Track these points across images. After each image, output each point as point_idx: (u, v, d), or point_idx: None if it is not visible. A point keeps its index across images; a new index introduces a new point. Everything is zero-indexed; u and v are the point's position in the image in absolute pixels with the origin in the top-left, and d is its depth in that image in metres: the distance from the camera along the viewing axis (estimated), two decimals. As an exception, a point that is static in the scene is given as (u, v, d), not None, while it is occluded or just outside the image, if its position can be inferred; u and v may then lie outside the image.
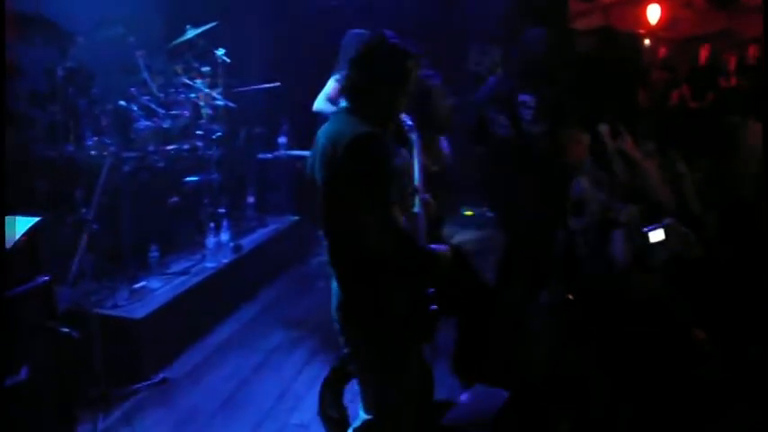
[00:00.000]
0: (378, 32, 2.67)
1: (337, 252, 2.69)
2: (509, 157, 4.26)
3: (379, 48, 2.64)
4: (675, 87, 7.76)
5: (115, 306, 4.47)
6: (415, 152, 2.85)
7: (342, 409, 3.53)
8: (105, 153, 4.70)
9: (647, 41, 9.03)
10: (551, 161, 4.07)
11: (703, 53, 8.35)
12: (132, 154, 5.09)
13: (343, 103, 2.76)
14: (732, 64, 8.04)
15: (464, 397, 3.66)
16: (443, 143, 3.63)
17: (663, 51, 8.83)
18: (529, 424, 3.49)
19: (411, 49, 2.63)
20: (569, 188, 3.83)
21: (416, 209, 2.77)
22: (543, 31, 4.32)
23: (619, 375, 3.42)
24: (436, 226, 3.50)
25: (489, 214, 4.89)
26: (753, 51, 7.82)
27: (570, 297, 3.58)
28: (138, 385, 4.21)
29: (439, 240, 3.45)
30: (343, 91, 2.72)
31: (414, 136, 2.86)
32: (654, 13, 8.96)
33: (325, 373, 3.63)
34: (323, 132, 2.67)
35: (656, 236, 3.57)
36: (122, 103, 5.21)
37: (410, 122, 2.86)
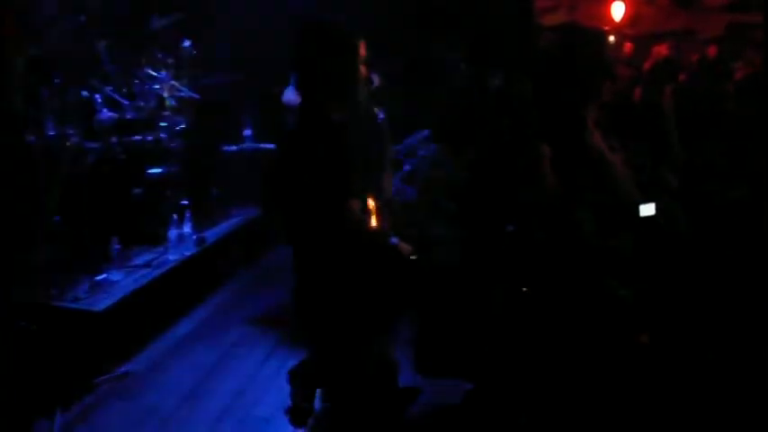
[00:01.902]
0: (315, 18, 2.66)
1: (296, 241, 2.70)
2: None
3: (320, 33, 2.60)
4: (639, 83, 7.86)
5: (75, 299, 4.42)
6: (386, 143, 2.90)
7: (311, 401, 3.54)
8: (67, 143, 4.64)
9: (611, 38, 9.13)
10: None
11: (664, 50, 8.49)
12: (94, 145, 5.03)
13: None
14: (694, 61, 8.18)
15: (425, 390, 3.69)
16: None
17: (628, 47, 8.94)
18: (489, 417, 3.52)
19: (352, 32, 2.62)
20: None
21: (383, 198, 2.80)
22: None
23: (576, 367, 3.47)
24: None
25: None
26: (713, 50, 7.96)
27: (525, 290, 3.61)
28: (99, 379, 4.17)
29: None
30: (298, 85, 2.70)
31: (385, 128, 2.91)
32: (618, 10, 9.06)
33: (288, 365, 3.63)
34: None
35: (647, 210, 3.54)
36: (85, 93, 5.15)
37: (382, 116, 2.90)
